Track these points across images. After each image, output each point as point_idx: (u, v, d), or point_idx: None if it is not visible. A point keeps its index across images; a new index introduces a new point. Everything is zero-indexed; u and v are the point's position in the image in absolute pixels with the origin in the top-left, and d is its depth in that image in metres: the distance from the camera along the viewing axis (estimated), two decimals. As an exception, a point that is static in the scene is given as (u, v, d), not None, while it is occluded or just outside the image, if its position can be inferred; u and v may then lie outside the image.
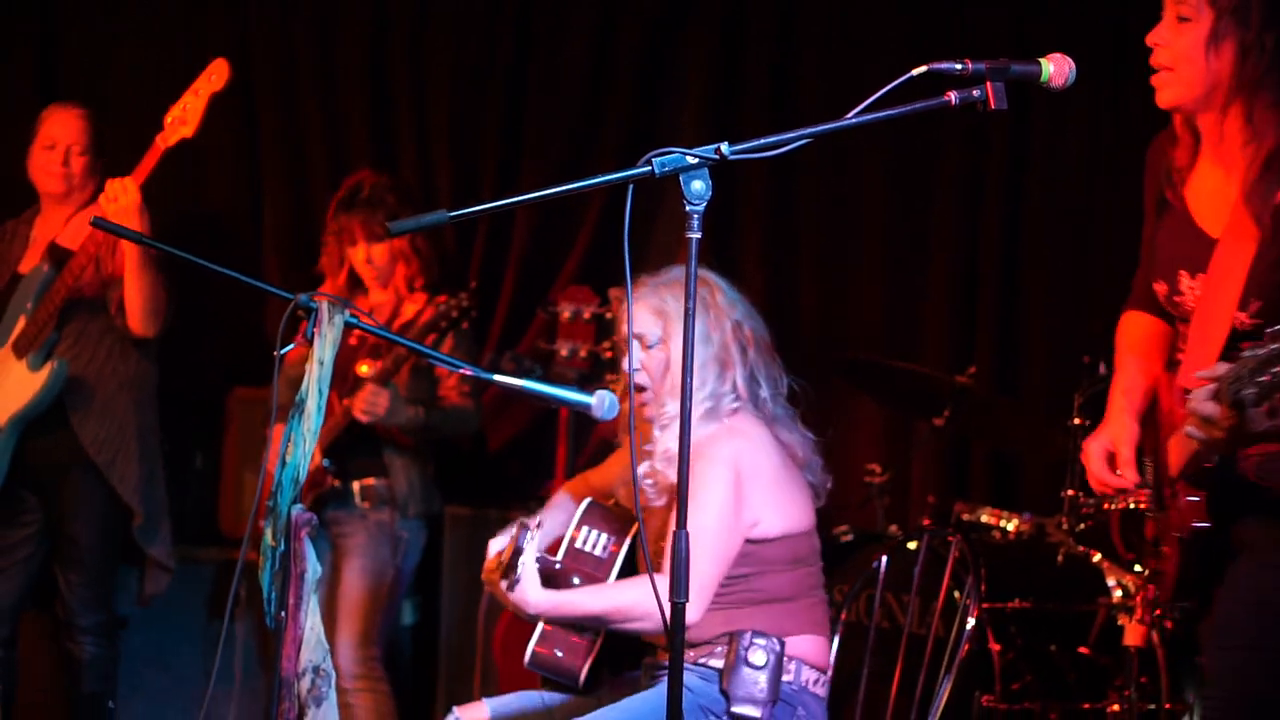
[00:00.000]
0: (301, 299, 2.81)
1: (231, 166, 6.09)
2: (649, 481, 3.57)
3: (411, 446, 5.03)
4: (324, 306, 2.79)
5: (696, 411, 3.49)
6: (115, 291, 4.95)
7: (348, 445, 4.92)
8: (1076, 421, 4.30)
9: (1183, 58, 2.77)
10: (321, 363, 2.76)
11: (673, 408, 3.54)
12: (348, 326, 2.84)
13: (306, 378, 2.76)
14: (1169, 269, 2.85)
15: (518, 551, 3.30)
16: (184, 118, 4.79)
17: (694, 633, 3.42)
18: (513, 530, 3.40)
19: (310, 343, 2.78)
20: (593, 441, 4.88)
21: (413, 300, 5.07)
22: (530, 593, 3.34)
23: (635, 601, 3.36)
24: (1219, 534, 2.82)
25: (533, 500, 5.31)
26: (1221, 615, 2.83)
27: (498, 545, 3.68)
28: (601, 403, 3.14)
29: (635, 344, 3.62)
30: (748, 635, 3.40)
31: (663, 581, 3.28)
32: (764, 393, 3.59)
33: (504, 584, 3.32)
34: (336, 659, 4.96)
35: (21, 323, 4.95)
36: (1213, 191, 2.82)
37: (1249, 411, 2.46)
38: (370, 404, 4.81)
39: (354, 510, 5.01)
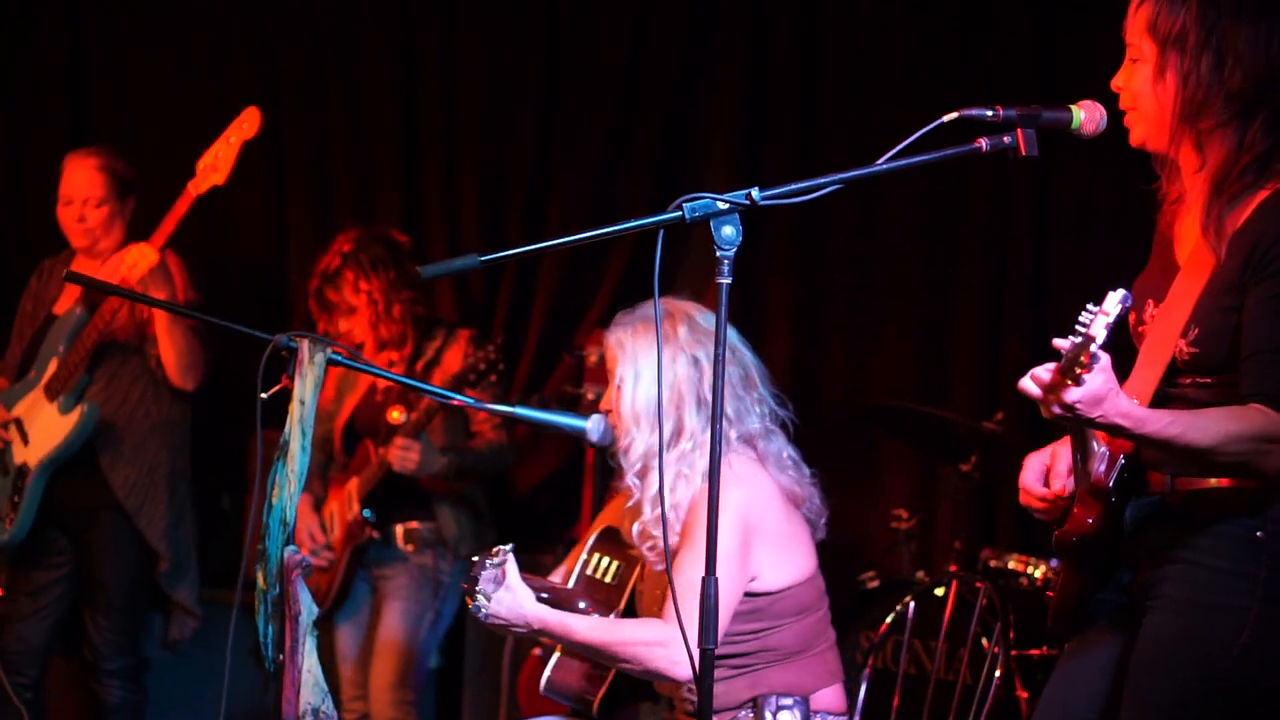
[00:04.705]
0: (282, 339, 2.80)
1: (259, 211, 6.11)
2: (648, 545, 3.49)
3: (456, 492, 5.01)
4: (305, 346, 2.78)
5: (658, 469, 3.38)
6: (153, 348, 4.96)
7: (391, 488, 4.91)
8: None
9: (1139, 96, 2.80)
10: (303, 402, 2.75)
11: (632, 457, 3.45)
12: (330, 364, 2.82)
13: (289, 418, 2.74)
14: (1140, 299, 2.85)
15: (473, 581, 3.17)
16: (215, 165, 4.81)
17: (719, 700, 3.33)
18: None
19: (293, 382, 2.76)
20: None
21: (431, 340, 5.06)
22: (526, 605, 3.20)
23: (625, 641, 3.27)
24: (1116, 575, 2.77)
25: (561, 542, 5.31)
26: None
27: None
28: (596, 427, 3.14)
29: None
30: (773, 699, 3.36)
31: (656, 628, 3.26)
32: (733, 434, 3.45)
33: (473, 608, 3.18)
34: (370, 701, 4.94)
35: (54, 365, 4.97)
36: (1189, 225, 2.83)
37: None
38: (402, 458, 4.81)
39: (396, 553, 4.99)
